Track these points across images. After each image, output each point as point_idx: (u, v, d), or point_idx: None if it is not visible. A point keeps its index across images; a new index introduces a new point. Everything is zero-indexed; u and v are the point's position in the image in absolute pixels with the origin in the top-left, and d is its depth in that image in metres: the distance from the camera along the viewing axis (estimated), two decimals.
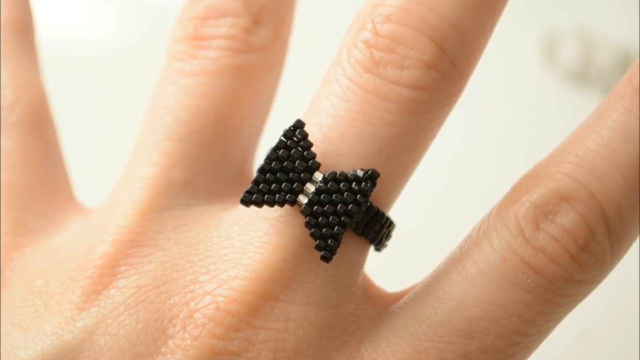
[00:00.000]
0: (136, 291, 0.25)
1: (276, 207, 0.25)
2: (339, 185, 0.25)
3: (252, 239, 0.25)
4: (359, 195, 0.25)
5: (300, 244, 0.25)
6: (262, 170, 0.25)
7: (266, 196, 0.25)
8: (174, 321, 0.25)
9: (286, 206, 0.25)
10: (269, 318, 0.25)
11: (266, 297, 0.25)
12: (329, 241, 0.25)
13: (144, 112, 0.29)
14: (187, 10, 0.29)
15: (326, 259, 0.25)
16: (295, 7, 0.30)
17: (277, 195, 0.25)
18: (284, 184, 0.25)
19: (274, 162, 0.25)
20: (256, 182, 0.25)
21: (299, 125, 0.25)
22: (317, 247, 0.25)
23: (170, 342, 0.25)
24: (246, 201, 0.25)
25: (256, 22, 0.28)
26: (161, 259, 0.26)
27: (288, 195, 0.25)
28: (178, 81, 0.28)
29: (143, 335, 0.25)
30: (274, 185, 0.25)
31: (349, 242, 0.26)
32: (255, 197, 0.25)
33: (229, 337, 0.25)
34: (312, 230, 0.25)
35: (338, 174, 0.25)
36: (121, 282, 0.25)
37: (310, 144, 0.25)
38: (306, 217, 0.25)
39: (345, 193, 0.25)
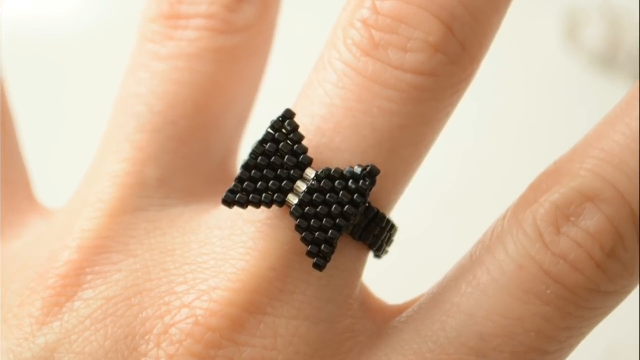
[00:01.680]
0: (104, 303, 0.25)
1: (263, 208, 0.25)
2: (333, 183, 0.25)
3: (236, 245, 0.26)
4: (356, 195, 0.25)
5: (290, 250, 0.25)
6: (246, 167, 0.25)
7: (251, 196, 0.25)
8: (147, 337, 0.25)
9: (274, 207, 0.25)
10: (254, 334, 0.25)
11: (251, 310, 0.25)
12: (323, 247, 0.25)
13: (114, 101, 0.29)
14: None
15: (319, 266, 0.25)
16: None
17: (263, 195, 0.25)
18: (271, 182, 0.25)
19: (260, 158, 0.25)
20: (240, 180, 0.25)
21: (288, 115, 0.25)
22: (309, 254, 0.25)
23: None
24: (229, 201, 0.25)
25: (239, 0, 0.29)
26: (133, 267, 0.26)
27: (276, 195, 0.25)
28: (152, 66, 0.28)
29: (112, 353, 0.25)
30: (260, 183, 0.25)
31: (345, 248, 0.26)
32: (239, 197, 0.25)
33: (209, 355, 0.25)
34: (303, 235, 0.25)
35: (333, 170, 0.25)
36: (87, 293, 0.25)
37: (302, 137, 0.25)
38: (297, 220, 0.25)
39: (341, 192, 0.25)
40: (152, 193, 0.27)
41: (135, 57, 0.29)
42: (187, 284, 0.25)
